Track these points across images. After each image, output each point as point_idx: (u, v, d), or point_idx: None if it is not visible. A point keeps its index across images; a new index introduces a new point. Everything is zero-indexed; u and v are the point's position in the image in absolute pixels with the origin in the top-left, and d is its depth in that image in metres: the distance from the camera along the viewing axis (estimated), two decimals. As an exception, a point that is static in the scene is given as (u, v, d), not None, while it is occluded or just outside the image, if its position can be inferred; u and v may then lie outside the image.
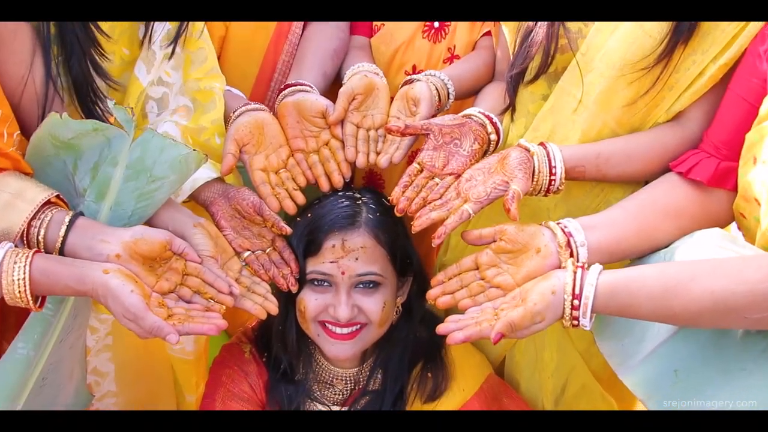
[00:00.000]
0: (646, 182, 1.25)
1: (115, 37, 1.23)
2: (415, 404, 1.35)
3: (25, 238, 1.08)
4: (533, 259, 1.13)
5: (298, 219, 1.31)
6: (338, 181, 1.31)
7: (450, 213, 1.18)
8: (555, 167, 1.21)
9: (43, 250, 1.07)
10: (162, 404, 1.56)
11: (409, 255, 1.35)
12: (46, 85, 1.16)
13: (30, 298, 1.03)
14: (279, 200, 1.28)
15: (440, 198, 1.22)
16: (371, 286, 1.28)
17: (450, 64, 1.53)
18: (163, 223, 1.19)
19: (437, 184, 1.24)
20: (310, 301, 1.29)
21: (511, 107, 1.34)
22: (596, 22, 1.23)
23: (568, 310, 1.05)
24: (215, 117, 1.34)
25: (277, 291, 1.27)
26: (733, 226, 1.21)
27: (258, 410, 1.36)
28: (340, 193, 1.32)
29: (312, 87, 1.37)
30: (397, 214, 1.24)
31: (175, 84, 1.33)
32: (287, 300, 1.31)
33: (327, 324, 1.30)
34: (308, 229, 1.28)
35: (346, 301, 1.27)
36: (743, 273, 0.96)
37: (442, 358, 1.38)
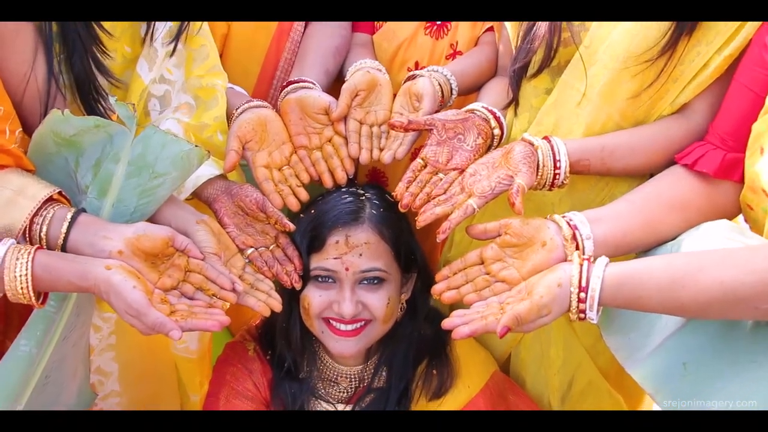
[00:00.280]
0: (651, 175, 1.24)
1: (116, 34, 1.23)
2: (420, 401, 1.34)
3: (27, 235, 1.07)
4: (539, 252, 1.12)
5: (301, 215, 1.30)
6: (341, 177, 1.31)
7: (454, 208, 1.18)
8: (559, 161, 1.20)
9: (45, 247, 1.07)
10: (166, 404, 1.55)
11: (413, 251, 1.35)
12: (48, 82, 1.16)
13: (32, 294, 1.03)
14: (282, 197, 1.27)
15: (444, 193, 1.22)
16: (375, 282, 1.28)
17: (452, 60, 1.53)
18: (166, 219, 1.19)
19: (441, 179, 1.23)
20: (314, 298, 1.28)
21: (514, 102, 1.34)
22: (599, 15, 1.23)
23: (574, 303, 1.04)
24: (218, 114, 1.34)
25: (280, 288, 1.26)
26: (741, 218, 1.20)
27: (262, 410, 1.35)
28: (344, 190, 1.31)
29: (315, 84, 1.37)
30: (401, 210, 1.23)
31: (177, 81, 1.33)
32: (291, 297, 1.30)
33: (331, 321, 1.29)
34: (312, 226, 1.27)
35: (350, 297, 1.26)
36: (753, 262, 0.95)
37: (447, 355, 1.37)
